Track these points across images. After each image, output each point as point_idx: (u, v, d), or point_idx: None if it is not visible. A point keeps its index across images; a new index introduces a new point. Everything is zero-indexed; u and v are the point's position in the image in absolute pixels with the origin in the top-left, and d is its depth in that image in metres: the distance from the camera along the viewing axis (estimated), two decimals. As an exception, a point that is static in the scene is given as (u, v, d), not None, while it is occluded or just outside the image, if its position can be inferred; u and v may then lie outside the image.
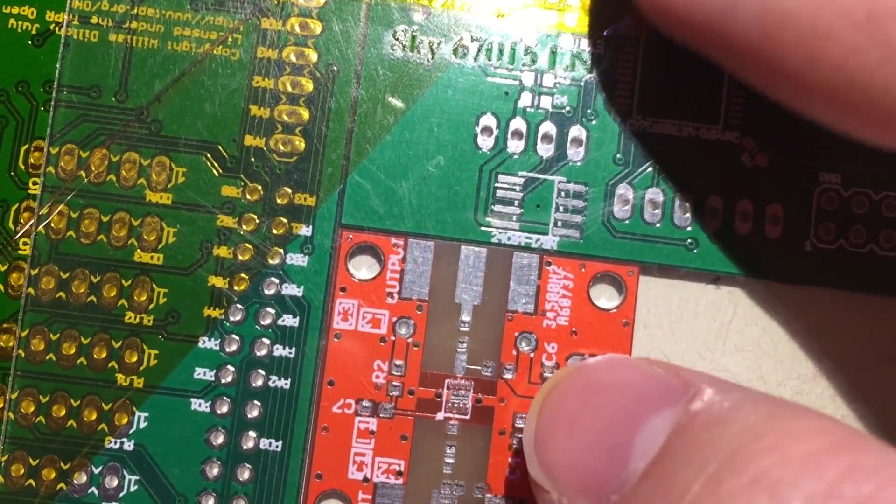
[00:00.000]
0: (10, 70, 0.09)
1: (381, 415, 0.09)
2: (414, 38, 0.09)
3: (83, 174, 0.09)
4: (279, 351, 0.09)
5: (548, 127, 0.09)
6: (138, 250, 0.09)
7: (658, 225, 0.09)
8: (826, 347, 0.09)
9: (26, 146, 0.09)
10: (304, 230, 0.09)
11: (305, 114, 0.09)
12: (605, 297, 0.09)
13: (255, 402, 0.09)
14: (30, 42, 0.09)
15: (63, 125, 0.09)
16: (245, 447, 0.09)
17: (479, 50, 0.09)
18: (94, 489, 0.09)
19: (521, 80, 0.09)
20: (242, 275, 0.09)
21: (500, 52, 0.09)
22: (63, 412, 0.09)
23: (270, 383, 0.09)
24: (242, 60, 0.09)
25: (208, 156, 0.09)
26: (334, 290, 0.09)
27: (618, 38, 0.09)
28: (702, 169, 0.09)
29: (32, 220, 0.09)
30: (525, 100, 0.09)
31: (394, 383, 0.09)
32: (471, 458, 0.09)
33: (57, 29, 0.09)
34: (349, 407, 0.09)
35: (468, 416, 0.09)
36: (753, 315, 0.09)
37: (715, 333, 0.09)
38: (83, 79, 0.09)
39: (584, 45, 0.09)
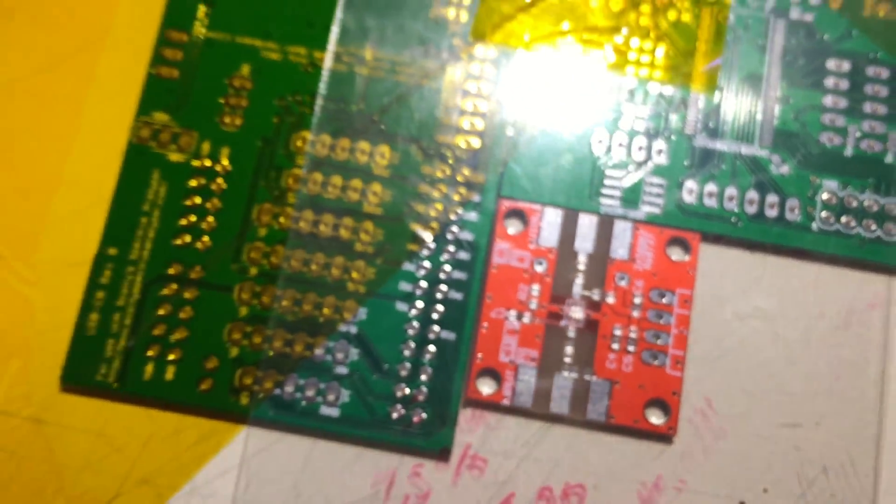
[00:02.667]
0: (291, 87, 0.14)
1: (523, 320, 0.13)
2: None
3: (332, 154, 0.14)
4: (456, 275, 0.13)
5: (640, 141, 0.14)
6: (365, 203, 0.14)
7: (715, 207, 0.14)
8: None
9: (297, 134, 0.14)
10: (476, 198, 0.14)
11: (481, 124, 0.14)
12: (676, 255, 0.14)
13: (438, 306, 0.13)
14: (303, 70, 0.14)
15: (322, 122, 0.14)
16: (430, 336, 0.13)
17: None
18: (328, 357, 0.13)
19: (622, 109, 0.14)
20: (433, 224, 0.14)
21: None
22: (310, 305, 0.13)
23: (449, 295, 0.13)
24: (439, 88, 0.14)
25: (414, 147, 0.14)
26: (494, 238, 0.14)
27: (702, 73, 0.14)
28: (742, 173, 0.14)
29: (298, 180, 0.14)
30: (626, 121, 0.14)
31: (532, 300, 0.13)
32: (582, 352, 0.13)
33: (320, 62, 0.14)
34: (501, 313, 0.13)
35: (581, 326, 0.13)
36: (775, 275, 0.14)
37: (749, 282, 0.14)
38: (337, 94, 0.14)
39: (663, 90, 0.14)
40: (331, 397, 0.13)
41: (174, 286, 0.13)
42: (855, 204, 0.14)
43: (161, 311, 0.13)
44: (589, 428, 0.13)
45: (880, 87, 0.14)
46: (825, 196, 0.14)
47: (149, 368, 0.13)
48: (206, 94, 0.14)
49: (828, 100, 0.14)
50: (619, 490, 0.13)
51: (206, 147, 0.14)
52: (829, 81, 0.14)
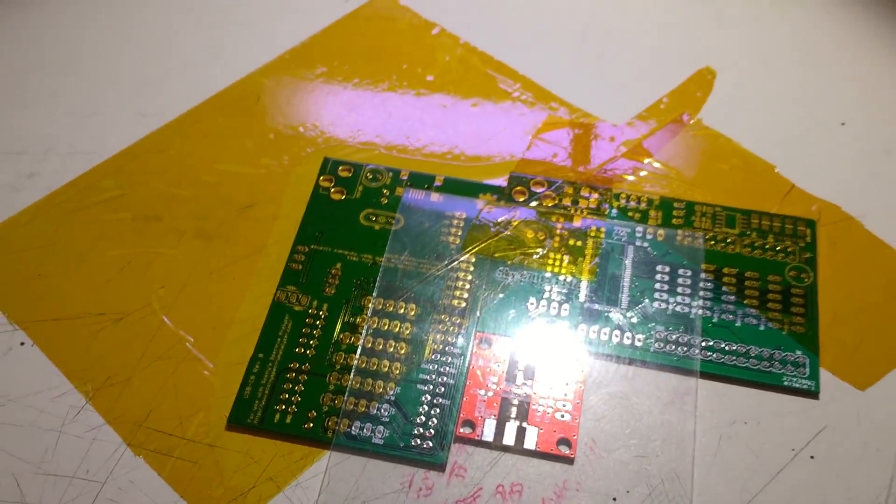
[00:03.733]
0: (363, 273, 0.26)
1: (488, 395, 0.24)
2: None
3: (384, 307, 0.25)
4: (450, 370, 0.24)
5: (555, 304, 0.25)
6: (401, 333, 0.25)
7: (595, 339, 0.25)
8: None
9: (367, 297, 0.25)
10: (463, 331, 0.25)
11: (466, 294, 0.25)
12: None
13: (441, 387, 0.24)
14: (370, 265, 0.26)
15: (379, 290, 0.25)
16: (436, 401, 0.23)
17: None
18: (378, 412, 0.23)
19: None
20: (439, 345, 0.25)
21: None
22: (369, 385, 0.24)
23: (446, 380, 0.24)
24: (444, 276, 0.26)
25: (429, 305, 0.25)
26: (472, 351, 0.24)
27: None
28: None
29: (366, 320, 0.25)
30: (547, 294, 0.25)
31: (492, 384, 0.24)
32: (521, 412, 0.23)
33: (379, 261, 0.26)
34: (475, 390, 0.24)
35: (522, 398, 0.24)
36: (631, 374, 0.24)
37: (616, 380, 0.24)
38: (386, 277, 0.26)
39: (568, 278, 0.26)
40: (378, 434, 0.23)
41: (293, 374, 0.24)
42: (675, 338, 0.25)
43: (286, 386, 0.24)
44: (525, 454, 0.23)
45: (685, 279, 0.26)
46: (658, 335, 0.25)
47: (277, 416, 0.23)
48: (316, 276, 0.26)
49: (657, 285, 0.26)
50: (542, 487, 0.22)
51: (314, 303, 0.25)
52: (657, 276, 0.26)
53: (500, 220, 0.27)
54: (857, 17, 0.32)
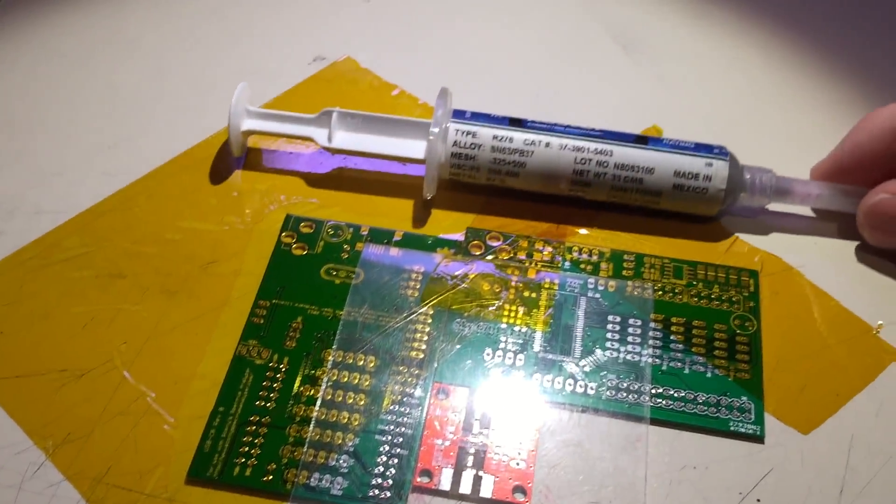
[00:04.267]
0: (323, 327, 0.26)
1: (445, 444, 0.24)
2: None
3: (344, 359, 0.26)
4: (409, 420, 0.25)
5: (510, 355, 0.26)
6: (361, 385, 0.25)
7: (549, 388, 0.25)
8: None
9: (326, 350, 0.26)
10: (421, 382, 0.25)
11: (424, 346, 0.26)
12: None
13: (399, 437, 0.24)
14: (330, 318, 0.27)
15: (339, 343, 0.26)
16: (394, 451, 0.24)
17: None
18: (337, 463, 0.24)
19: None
20: (398, 396, 0.25)
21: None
22: (328, 437, 0.24)
23: (405, 431, 0.24)
24: (402, 328, 0.26)
25: (388, 356, 0.26)
26: (430, 401, 0.25)
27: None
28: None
29: (325, 373, 0.25)
30: (503, 344, 0.26)
31: (450, 434, 0.24)
32: (477, 460, 0.24)
33: (340, 315, 0.27)
34: (433, 440, 0.24)
35: (478, 447, 0.24)
36: (582, 423, 0.25)
37: (570, 428, 0.25)
38: (346, 330, 0.26)
39: (522, 329, 0.27)
40: (336, 485, 0.23)
41: (253, 427, 0.24)
42: (626, 385, 0.25)
43: (246, 439, 0.24)
44: (481, 503, 0.23)
45: (635, 329, 0.27)
46: (609, 383, 0.25)
47: (236, 469, 0.24)
48: (277, 330, 0.26)
49: (609, 335, 0.26)
50: (498, 535, 0.23)
51: (275, 357, 0.26)
52: (608, 325, 0.27)
53: (457, 273, 0.28)
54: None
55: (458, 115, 0.30)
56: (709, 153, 0.29)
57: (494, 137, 0.29)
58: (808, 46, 0.36)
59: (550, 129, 0.29)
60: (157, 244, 0.29)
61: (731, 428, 0.25)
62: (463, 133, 0.29)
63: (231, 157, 0.31)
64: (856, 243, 0.29)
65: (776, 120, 0.33)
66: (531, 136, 0.29)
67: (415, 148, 0.30)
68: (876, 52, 0.36)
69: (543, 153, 0.29)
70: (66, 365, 0.26)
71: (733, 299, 0.27)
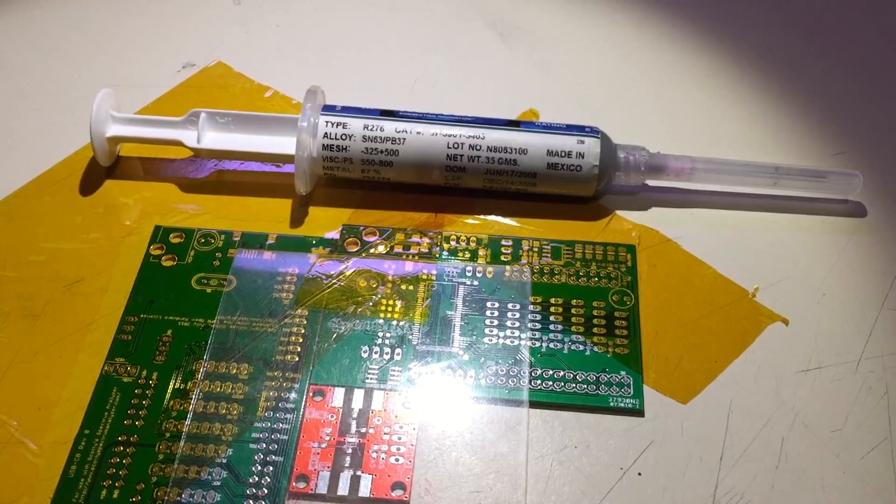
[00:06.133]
0: (195, 337, 0.26)
1: (322, 446, 0.23)
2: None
3: (216, 370, 0.25)
4: (283, 426, 0.24)
5: (387, 349, 0.26)
6: (234, 394, 0.24)
7: (431, 380, 0.25)
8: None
9: (197, 362, 0.25)
10: (296, 385, 0.25)
11: (299, 348, 0.25)
12: (408, 404, 0.24)
13: (273, 445, 0.23)
14: (202, 328, 0.26)
15: (211, 353, 0.25)
16: (269, 458, 0.23)
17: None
18: (209, 476, 0.23)
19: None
20: (272, 402, 0.24)
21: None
22: (200, 450, 0.23)
23: (279, 437, 0.24)
24: (277, 334, 0.26)
25: (262, 363, 0.25)
26: (306, 404, 0.24)
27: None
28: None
29: (196, 385, 0.25)
30: (380, 339, 0.26)
31: (326, 436, 0.24)
32: (355, 460, 0.23)
33: (211, 324, 0.26)
34: (310, 444, 0.23)
35: (355, 447, 0.24)
36: (485, 411, 0.24)
37: (461, 420, 0.24)
38: (219, 340, 0.26)
39: (400, 323, 0.26)
40: (209, 499, 0.23)
41: (121, 448, 0.23)
42: (505, 371, 0.25)
43: (113, 461, 0.23)
44: (360, 503, 0.23)
45: (514, 313, 0.26)
46: (489, 370, 0.25)
47: (103, 492, 0.23)
48: (146, 345, 0.25)
49: (487, 321, 0.26)
50: (377, 534, 0.22)
51: (144, 373, 0.25)
52: (487, 312, 0.26)
53: (332, 272, 0.27)
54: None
55: (329, 108, 0.29)
56: (580, 132, 0.29)
57: (365, 127, 0.28)
58: (681, 23, 0.36)
59: (422, 117, 0.29)
60: (18, 267, 0.27)
61: (611, 404, 0.24)
62: (333, 125, 0.28)
63: (100, 171, 0.30)
64: (730, 212, 0.29)
65: (652, 98, 0.33)
66: (402, 125, 0.29)
67: (286, 145, 0.29)
68: (747, 24, 0.36)
69: (416, 141, 0.28)
70: (-82, 402, 0.24)
71: (611, 275, 0.27)
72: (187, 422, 0.24)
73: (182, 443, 0.23)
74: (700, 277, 0.27)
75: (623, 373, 0.25)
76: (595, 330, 0.26)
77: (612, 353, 0.25)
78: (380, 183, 0.29)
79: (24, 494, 0.23)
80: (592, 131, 0.29)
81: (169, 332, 0.26)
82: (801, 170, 0.29)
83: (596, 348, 0.26)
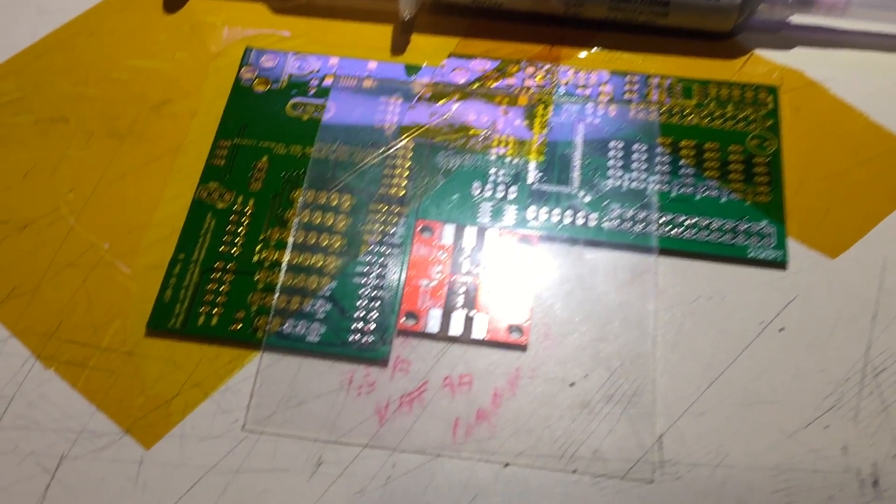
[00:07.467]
0: (292, 166, 0.24)
1: (431, 285, 0.22)
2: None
3: (316, 200, 0.23)
4: (391, 262, 0.22)
5: (501, 187, 0.23)
6: (335, 226, 0.23)
7: (546, 221, 0.23)
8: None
9: (296, 190, 0.23)
10: (403, 220, 0.23)
11: (405, 183, 0.23)
12: (524, 246, 0.22)
13: (379, 280, 0.22)
14: (299, 157, 0.24)
15: (309, 182, 0.23)
16: (374, 294, 0.21)
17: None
18: (312, 308, 0.21)
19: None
20: (377, 236, 0.22)
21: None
22: (302, 281, 0.22)
23: (387, 273, 0.22)
24: (382, 165, 0.24)
25: (366, 195, 0.23)
26: (414, 240, 0.22)
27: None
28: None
29: (296, 214, 0.23)
30: (493, 176, 0.23)
31: (437, 273, 0.22)
32: (468, 300, 0.21)
33: (310, 152, 0.24)
34: (418, 281, 0.22)
35: (468, 287, 0.22)
36: (585, 254, 0.22)
37: (570, 260, 0.22)
38: (318, 169, 0.24)
39: (515, 159, 0.24)
40: (313, 331, 0.21)
41: (218, 274, 0.22)
42: (630, 215, 0.23)
43: (210, 287, 0.22)
44: (474, 344, 0.21)
45: (640, 155, 0.24)
46: (612, 213, 0.23)
47: (201, 319, 0.21)
48: (240, 171, 0.24)
49: (610, 162, 0.24)
50: (493, 377, 0.21)
51: (239, 200, 0.23)
52: (610, 153, 0.24)
53: (438, 104, 0.25)
54: None
55: (437, -75, 0.26)
56: (722, -44, 0.25)
57: (477, -54, 0.25)
58: None
59: (541, -65, 0.26)
60: (101, 85, 0.25)
61: (750, 254, 0.22)
62: (441, -56, 0.25)
63: (182, -11, 0.28)
64: (886, 55, 0.26)
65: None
66: (519, -55, 0.25)
67: (388, -37, 0.26)
68: None
69: (533, -37, 0.25)
70: (7, 216, 0.23)
71: (750, 118, 0.24)
72: (287, 251, 0.22)
73: (283, 273, 0.22)
74: (850, 124, 0.24)
75: (764, 222, 0.22)
76: (732, 176, 0.23)
77: (752, 202, 0.23)
78: (490, 9, 0.26)
79: (118, 317, 0.21)
80: (736, -44, 0.25)
81: (264, 159, 0.24)
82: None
83: (733, 195, 0.23)
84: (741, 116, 0.24)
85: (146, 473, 0.19)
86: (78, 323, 0.21)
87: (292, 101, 0.25)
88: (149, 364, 0.21)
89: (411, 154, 0.24)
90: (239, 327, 0.21)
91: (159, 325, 0.21)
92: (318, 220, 0.23)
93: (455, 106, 0.25)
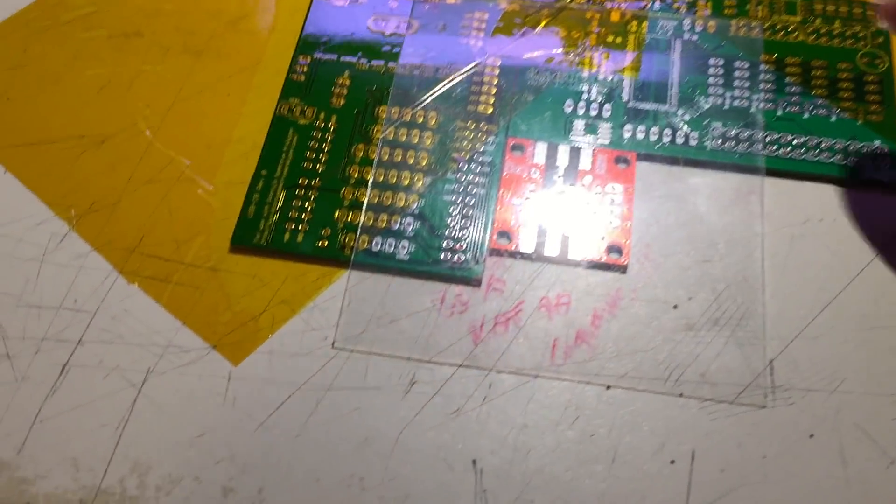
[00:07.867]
0: (376, 82, 0.23)
1: (524, 204, 0.21)
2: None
3: (402, 117, 0.22)
4: (481, 180, 0.21)
5: (595, 105, 0.22)
6: (422, 144, 0.22)
7: (643, 139, 0.22)
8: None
9: (380, 106, 0.22)
10: (492, 138, 0.22)
11: (492, 99, 0.22)
12: (622, 165, 0.21)
13: (470, 198, 0.21)
14: (382, 73, 0.23)
15: (393, 99, 0.22)
16: (466, 212, 0.21)
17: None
18: (400, 226, 0.20)
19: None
20: (464, 154, 0.21)
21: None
22: (389, 199, 0.21)
23: (477, 191, 0.21)
24: (470, 80, 0.23)
25: (453, 112, 0.22)
26: (505, 158, 0.21)
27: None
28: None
29: (381, 130, 0.22)
30: (587, 94, 0.22)
31: (529, 193, 0.21)
32: (563, 219, 0.20)
33: (393, 69, 0.23)
34: (510, 199, 0.21)
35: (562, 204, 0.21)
36: (686, 175, 0.21)
37: (669, 181, 0.21)
38: (402, 85, 0.23)
39: (609, 75, 0.23)
40: (402, 248, 0.20)
41: (302, 191, 0.21)
42: (734, 134, 0.22)
43: (295, 203, 0.21)
44: (570, 265, 0.20)
45: (742, 72, 0.22)
46: (715, 132, 0.22)
47: (286, 235, 0.20)
48: (321, 87, 0.23)
49: (711, 80, 0.22)
50: (593, 298, 0.20)
51: (322, 116, 0.22)
52: (710, 70, 0.23)
53: (527, 18, 0.24)
54: None
55: None
56: None
57: None
58: None
59: None
60: (175, 0, 0.25)
61: (866, 176, 0.21)
62: None
63: None
64: None
65: None
66: None
67: None
68: None
69: None
70: (84, 131, 0.22)
71: (859, 35, 0.23)
72: (374, 168, 0.21)
73: (369, 189, 0.21)
74: (969, 42, 0.23)
75: (877, 142, 0.21)
76: (841, 94, 0.22)
77: (864, 121, 0.21)
78: (579, -78, 0.25)
79: (201, 233, 0.21)
80: None
81: (346, 75, 0.23)
82: None
83: (843, 114, 0.22)
84: (849, 33, 0.23)
85: (235, 389, 0.19)
86: (160, 238, 0.21)
87: (374, 16, 0.24)
88: (234, 280, 0.20)
89: (498, 71, 0.23)
90: (325, 244, 0.20)
91: (244, 240, 0.20)
92: (404, 136, 0.22)
93: (544, 22, 0.24)
